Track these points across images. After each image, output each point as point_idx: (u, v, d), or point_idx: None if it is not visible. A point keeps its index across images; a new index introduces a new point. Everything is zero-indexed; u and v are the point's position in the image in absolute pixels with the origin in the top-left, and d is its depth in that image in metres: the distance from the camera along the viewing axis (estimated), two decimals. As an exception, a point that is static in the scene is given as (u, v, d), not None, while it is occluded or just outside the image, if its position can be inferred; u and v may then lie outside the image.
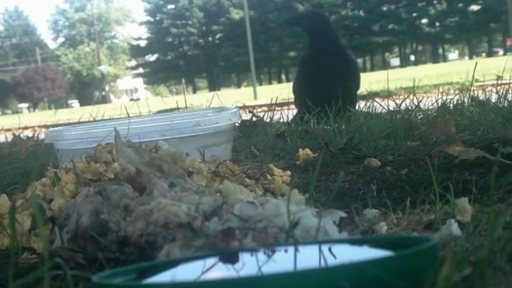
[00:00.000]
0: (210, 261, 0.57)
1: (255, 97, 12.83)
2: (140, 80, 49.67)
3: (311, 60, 2.51)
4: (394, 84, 7.72)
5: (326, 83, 2.41)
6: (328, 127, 1.86)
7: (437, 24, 37.48)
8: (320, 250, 0.56)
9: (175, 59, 43.06)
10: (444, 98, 2.16)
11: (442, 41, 39.72)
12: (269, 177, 1.03)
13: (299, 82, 2.58)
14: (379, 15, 37.59)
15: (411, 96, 2.21)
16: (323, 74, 2.44)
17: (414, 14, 37.17)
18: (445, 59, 39.69)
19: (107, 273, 0.55)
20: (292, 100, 2.67)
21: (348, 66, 2.49)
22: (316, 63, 2.48)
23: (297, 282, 0.46)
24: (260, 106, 6.12)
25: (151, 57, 45.49)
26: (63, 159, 1.32)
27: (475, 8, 36.30)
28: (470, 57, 37.30)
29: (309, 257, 0.56)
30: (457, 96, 2.18)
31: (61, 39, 53.59)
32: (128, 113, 1.99)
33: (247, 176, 1.03)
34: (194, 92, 40.65)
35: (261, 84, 36.88)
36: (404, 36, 37.18)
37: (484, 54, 39.27)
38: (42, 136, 2.26)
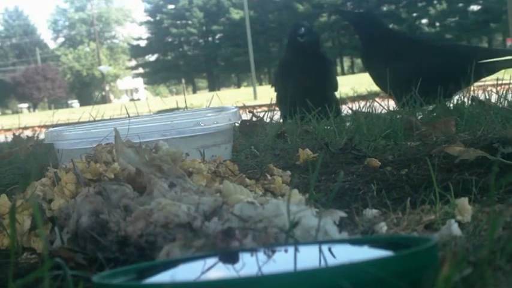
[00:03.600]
0: (210, 261, 0.57)
1: (255, 97, 12.84)
2: (140, 80, 49.63)
3: (285, 61, 2.73)
4: (394, 84, 7.69)
5: (297, 83, 2.57)
6: (328, 127, 1.87)
7: (437, 24, 37.45)
8: (320, 250, 0.56)
9: (175, 59, 43.02)
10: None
11: (442, 41, 39.70)
12: (269, 177, 1.03)
13: (275, 81, 2.82)
14: (379, 15, 37.53)
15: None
16: (296, 74, 2.60)
17: (414, 14, 37.14)
18: (445, 59, 39.61)
19: (107, 273, 0.55)
20: None
21: (322, 66, 2.65)
22: (289, 64, 2.67)
23: (297, 282, 0.46)
24: (260, 106, 6.12)
25: (151, 57, 45.47)
26: (63, 159, 1.32)
27: (475, 8, 36.28)
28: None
29: (309, 257, 0.56)
30: (457, 96, 2.18)
31: (61, 39, 53.59)
32: (128, 113, 1.99)
33: (247, 176, 1.03)
34: (194, 92, 40.61)
35: (261, 84, 36.81)
36: (404, 36, 37.13)
37: (484, 54, 39.18)
38: (42, 136, 2.26)
